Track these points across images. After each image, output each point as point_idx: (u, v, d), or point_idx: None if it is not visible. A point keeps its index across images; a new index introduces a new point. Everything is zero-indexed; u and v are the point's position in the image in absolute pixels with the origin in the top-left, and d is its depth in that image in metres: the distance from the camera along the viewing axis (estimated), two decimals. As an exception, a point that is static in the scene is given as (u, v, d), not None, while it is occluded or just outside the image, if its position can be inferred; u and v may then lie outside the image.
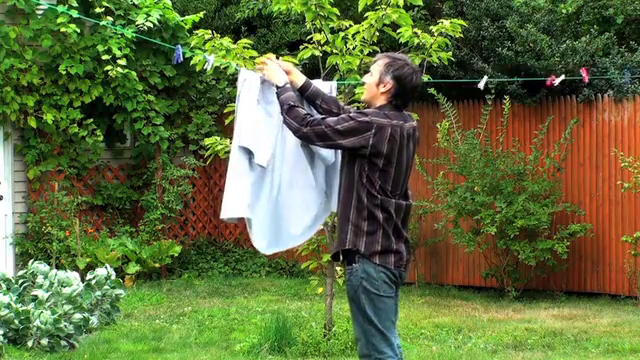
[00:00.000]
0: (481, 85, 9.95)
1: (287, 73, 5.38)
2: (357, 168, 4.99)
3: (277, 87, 5.30)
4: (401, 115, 5.07)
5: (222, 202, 5.47)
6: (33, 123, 11.58)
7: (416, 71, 5.10)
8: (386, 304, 4.98)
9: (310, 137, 5.07)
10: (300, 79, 5.40)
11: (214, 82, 13.14)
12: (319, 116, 5.13)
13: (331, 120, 5.03)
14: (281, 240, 5.56)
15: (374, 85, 5.08)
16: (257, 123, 5.47)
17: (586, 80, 10.56)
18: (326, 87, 5.81)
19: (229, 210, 5.42)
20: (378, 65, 5.09)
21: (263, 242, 5.50)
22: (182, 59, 7.54)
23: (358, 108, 5.47)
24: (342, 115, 5.09)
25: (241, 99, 5.54)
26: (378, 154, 4.94)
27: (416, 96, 5.18)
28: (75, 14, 10.69)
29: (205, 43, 7.81)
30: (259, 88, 5.53)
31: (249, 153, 5.44)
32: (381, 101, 5.08)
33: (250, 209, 5.40)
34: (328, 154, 5.51)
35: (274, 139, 5.49)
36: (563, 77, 10.45)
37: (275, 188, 5.49)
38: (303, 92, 5.40)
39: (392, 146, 4.95)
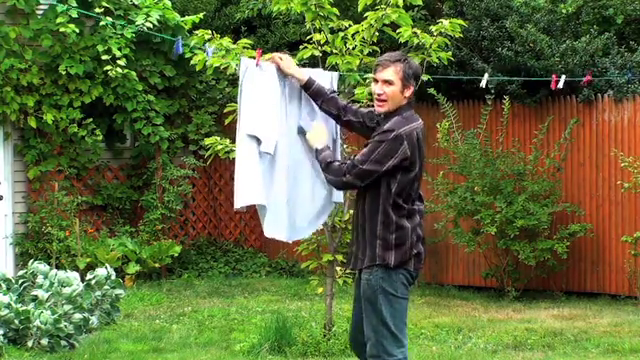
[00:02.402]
0: (483, 83, 9.95)
1: (292, 75, 5.39)
2: (385, 183, 4.96)
3: (316, 150, 5.23)
4: (413, 115, 5.05)
5: (235, 192, 5.45)
6: (33, 123, 11.58)
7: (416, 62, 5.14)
8: (402, 305, 5.01)
9: (355, 183, 5.01)
10: (303, 75, 5.40)
11: (214, 82, 13.14)
12: (348, 161, 5.02)
13: (361, 157, 4.95)
14: (292, 230, 5.57)
15: (399, 93, 5.00)
16: (261, 111, 5.47)
17: (589, 79, 10.57)
18: (327, 77, 5.81)
19: (242, 198, 5.40)
20: (396, 72, 4.98)
21: (282, 231, 5.49)
22: (181, 50, 7.52)
23: (360, 106, 5.45)
24: (369, 145, 4.99)
25: (243, 88, 5.53)
26: (413, 161, 4.96)
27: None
28: (74, 14, 10.71)
29: (205, 43, 7.82)
30: (260, 76, 5.52)
31: (256, 141, 5.44)
32: (402, 104, 5.04)
33: (264, 196, 5.40)
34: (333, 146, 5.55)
35: (278, 125, 5.49)
36: (564, 77, 10.45)
37: (285, 176, 5.49)
38: (306, 89, 5.39)
39: (418, 150, 4.99)
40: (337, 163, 5.07)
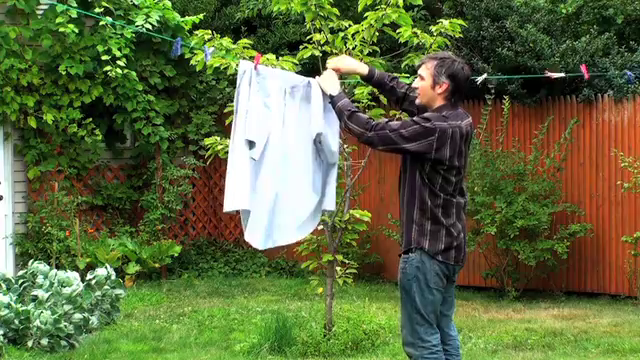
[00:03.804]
0: (479, 80, 9.94)
1: (353, 71, 5.57)
2: (419, 171, 5.11)
3: (331, 96, 5.37)
4: (458, 114, 5.18)
5: (225, 194, 5.47)
6: (33, 123, 11.58)
7: (464, 63, 5.22)
8: (435, 296, 5.14)
9: (374, 141, 5.15)
10: (364, 68, 5.54)
11: (214, 82, 13.13)
12: (382, 120, 5.22)
13: (395, 124, 5.13)
14: (275, 236, 5.56)
15: (429, 88, 5.18)
16: (255, 115, 5.47)
17: (587, 77, 10.56)
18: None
19: (232, 202, 5.42)
20: (427, 68, 5.18)
21: (258, 237, 5.50)
22: (179, 52, 7.52)
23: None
24: (406, 120, 5.19)
25: (241, 91, 5.53)
26: (441, 158, 5.06)
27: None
28: (74, 14, 10.71)
29: (205, 43, 7.83)
30: (257, 80, 5.52)
31: (248, 145, 5.44)
32: (439, 101, 5.18)
33: (249, 201, 5.41)
34: (336, 152, 5.56)
35: (268, 132, 5.49)
36: (562, 74, 10.41)
37: (274, 183, 5.48)
38: (368, 80, 5.56)
39: (453, 149, 5.08)
40: (365, 116, 5.21)
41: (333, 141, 5.57)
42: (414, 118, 5.12)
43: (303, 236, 5.74)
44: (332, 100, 5.38)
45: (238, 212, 5.58)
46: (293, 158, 5.53)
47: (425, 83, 5.17)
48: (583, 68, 10.29)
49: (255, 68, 5.54)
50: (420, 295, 5.09)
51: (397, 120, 5.34)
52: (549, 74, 10.26)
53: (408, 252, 5.15)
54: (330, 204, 5.68)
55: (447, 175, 5.09)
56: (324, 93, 5.47)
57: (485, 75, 10.00)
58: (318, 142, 5.52)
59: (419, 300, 5.10)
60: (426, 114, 5.14)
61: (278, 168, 5.50)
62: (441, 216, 5.09)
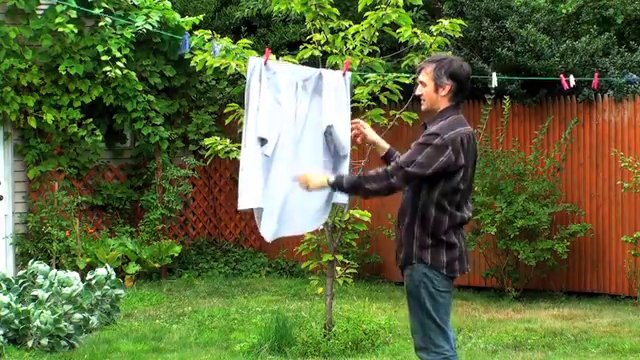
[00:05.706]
0: (494, 83, 9.97)
1: (374, 142, 5.41)
2: (426, 185, 4.96)
3: (333, 183, 5.10)
4: (461, 120, 5.09)
5: (239, 192, 5.46)
6: (33, 123, 11.58)
7: (462, 61, 5.12)
8: (445, 299, 5.09)
9: (400, 185, 4.99)
10: (385, 146, 5.42)
11: (214, 82, 13.14)
12: (392, 164, 5.03)
13: (405, 158, 4.94)
14: (284, 227, 5.57)
15: (432, 92, 5.06)
16: (266, 110, 5.47)
17: (595, 85, 10.60)
18: (340, 78, 5.82)
19: (246, 200, 5.41)
20: (427, 73, 5.06)
21: (269, 230, 5.50)
22: (188, 48, 7.53)
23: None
24: (412, 147, 5.00)
25: (252, 87, 5.51)
26: (458, 167, 4.96)
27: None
28: (74, 14, 10.71)
29: (205, 43, 7.84)
30: (268, 75, 5.52)
31: (260, 142, 5.44)
32: (443, 104, 5.08)
33: (263, 198, 5.41)
34: (346, 145, 5.55)
35: (279, 128, 5.49)
36: (572, 78, 10.42)
37: (287, 178, 5.48)
38: (388, 158, 5.40)
39: (466, 155, 4.99)
40: (374, 171, 5.03)
41: (343, 133, 5.55)
42: (420, 141, 4.96)
43: (311, 229, 5.72)
44: (337, 185, 5.12)
45: (250, 209, 5.59)
46: (304, 151, 5.53)
47: (428, 88, 5.06)
48: (595, 78, 10.32)
49: (265, 63, 5.53)
50: (431, 300, 5.03)
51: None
52: (564, 80, 10.30)
53: (412, 262, 5.06)
54: (342, 197, 5.65)
55: (460, 185, 4.97)
56: (335, 105, 5.42)
57: (495, 77, 10.04)
58: (329, 134, 5.52)
59: (430, 306, 5.03)
60: (433, 129, 4.99)
61: (290, 162, 5.50)
62: (442, 232, 4.99)
